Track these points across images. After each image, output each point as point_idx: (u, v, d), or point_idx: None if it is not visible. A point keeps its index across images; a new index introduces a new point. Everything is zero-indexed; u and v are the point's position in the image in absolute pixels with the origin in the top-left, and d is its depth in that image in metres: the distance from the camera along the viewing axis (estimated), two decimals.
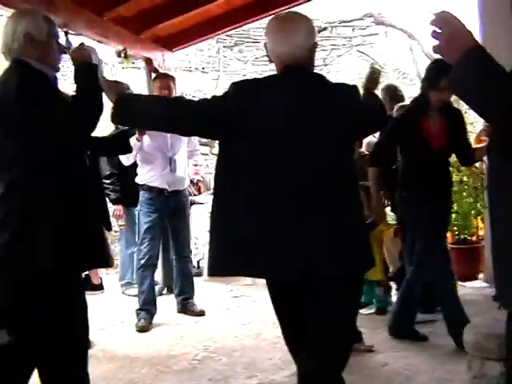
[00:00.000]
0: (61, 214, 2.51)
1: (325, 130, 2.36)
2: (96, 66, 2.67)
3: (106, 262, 2.74)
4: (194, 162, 5.97)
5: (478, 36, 4.29)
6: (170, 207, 5.23)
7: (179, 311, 5.43)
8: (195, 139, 5.76)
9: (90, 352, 4.32)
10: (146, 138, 5.06)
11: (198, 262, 7.26)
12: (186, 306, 5.42)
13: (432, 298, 4.87)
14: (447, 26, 1.67)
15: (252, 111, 2.35)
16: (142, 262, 5.12)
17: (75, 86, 2.64)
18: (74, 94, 2.63)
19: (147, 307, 5.08)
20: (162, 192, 5.17)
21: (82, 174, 2.69)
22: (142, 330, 4.91)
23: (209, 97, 2.55)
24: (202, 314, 5.35)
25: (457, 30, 1.67)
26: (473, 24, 4.40)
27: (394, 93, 5.85)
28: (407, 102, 5.40)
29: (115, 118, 2.58)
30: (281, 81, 2.47)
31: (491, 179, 1.85)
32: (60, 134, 2.55)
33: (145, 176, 5.18)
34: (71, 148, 2.64)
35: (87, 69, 2.65)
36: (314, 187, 2.30)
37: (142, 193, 5.23)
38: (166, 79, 5.27)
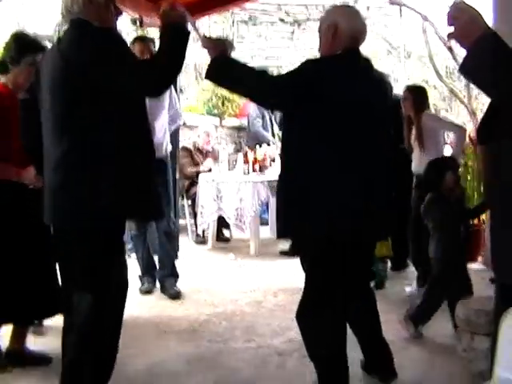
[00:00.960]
0: (122, 167, 2.62)
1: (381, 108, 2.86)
2: (185, 26, 2.68)
3: (158, 214, 2.89)
4: (176, 127, 5.69)
5: (491, 23, 4.32)
6: None
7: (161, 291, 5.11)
8: (177, 103, 5.46)
9: None
10: None
11: (204, 232, 7.38)
12: (163, 286, 5.11)
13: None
14: (462, 15, 1.75)
15: (332, 87, 2.66)
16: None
17: (160, 43, 2.64)
18: (158, 51, 2.65)
19: (148, 272, 5.17)
20: None
21: (142, 130, 2.80)
22: (146, 292, 5.05)
23: (284, 73, 2.88)
24: (176, 296, 4.98)
25: (472, 18, 1.74)
26: (487, 11, 4.44)
27: None
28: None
29: (209, 76, 2.79)
30: (352, 60, 2.82)
31: (496, 162, 1.93)
32: (134, 91, 2.62)
33: None
34: (135, 106, 2.71)
35: (177, 29, 2.64)
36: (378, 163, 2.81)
37: None
38: (146, 43, 4.96)
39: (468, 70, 1.79)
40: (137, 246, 5.19)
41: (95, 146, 2.57)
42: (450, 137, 6.31)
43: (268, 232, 7.88)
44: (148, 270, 5.17)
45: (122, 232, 2.88)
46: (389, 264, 5.51)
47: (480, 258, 6.07)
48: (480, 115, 8.61)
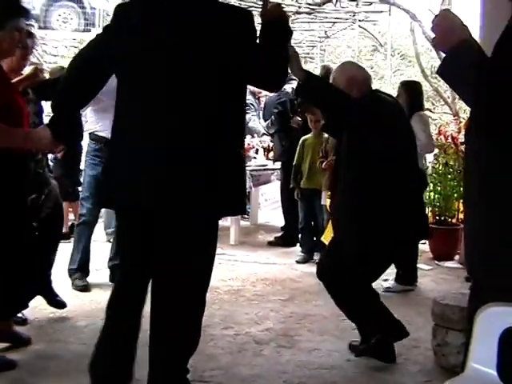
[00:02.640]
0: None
1: None
2: (291, 30, 2.69)
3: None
4: None
5: (478, 32, 4.37)
6: None
7: (111, 280, 4.61)
8: None
9: (76, 293, 4.53)
10: None
11: None
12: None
13: (414, 271, 5.11)
14: (444, 22, 1.84)
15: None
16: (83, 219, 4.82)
17: (262, 40, 2.53)
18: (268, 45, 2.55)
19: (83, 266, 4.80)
20: None
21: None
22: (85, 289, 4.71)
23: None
24: None
25: (452, 26, 1.82)
26: (474, 21, 4.51)
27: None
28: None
29: (301, 92, 3.22)
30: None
31: (474, 160, 2.00)
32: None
33: (93, 124, 4.72)
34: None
35: (284, 28, 2.61)
36: None
37: (88, 142, 4.81)
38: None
39: (443, 73, 1.88)
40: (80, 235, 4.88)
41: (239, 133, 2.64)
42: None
43: (247, 222, 7.93)
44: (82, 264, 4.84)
45: None
46: None
47: (456, 257, 6.16)
48: (463, 116, 8.75)
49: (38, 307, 3.94)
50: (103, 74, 2.66)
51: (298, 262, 5.95)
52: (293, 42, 12.64)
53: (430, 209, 6.89)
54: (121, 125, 2.56)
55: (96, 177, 4.58)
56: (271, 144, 7.63)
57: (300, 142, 6.11)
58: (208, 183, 2.42)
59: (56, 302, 4.02)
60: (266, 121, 7.23)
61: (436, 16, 1.89)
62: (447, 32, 1.82)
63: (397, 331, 3.44)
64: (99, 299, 4.44)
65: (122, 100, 2.57)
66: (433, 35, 1.91)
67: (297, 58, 3.01)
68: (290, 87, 6.84)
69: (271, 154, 7.55)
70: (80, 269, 4.75)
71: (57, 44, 11.52)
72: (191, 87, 2.42)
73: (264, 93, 8.23)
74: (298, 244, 6.31)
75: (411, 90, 5.19)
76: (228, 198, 2.53)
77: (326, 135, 5.90)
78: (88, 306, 4.28)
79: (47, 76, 4.89)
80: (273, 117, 6.76)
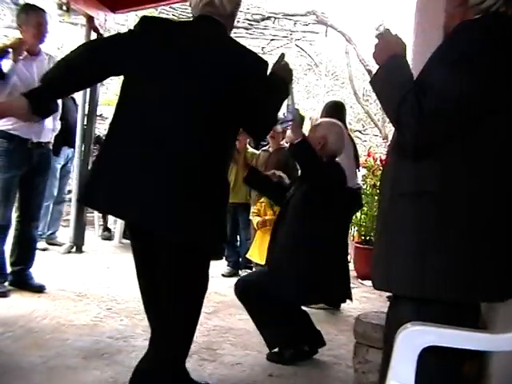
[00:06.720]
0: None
1: None
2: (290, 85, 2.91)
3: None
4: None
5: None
6: (33, 162, 4.47)
7: (11, 284, 4.63)
8: None
9: None
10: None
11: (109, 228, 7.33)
12: (22, 278, 4.68)
13: None
14: (384, 38, 2.01)
15: None
16: None
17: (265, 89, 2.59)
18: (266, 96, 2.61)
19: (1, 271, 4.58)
20: (25, 143, 4.38)
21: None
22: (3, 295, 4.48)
23: None
24: (40, 289, 4.69)
25: (389, 42, 1.99)
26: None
27: None
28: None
29: (294, 151, 3.60)
30: None
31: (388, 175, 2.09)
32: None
33: (4, 121, 4.15)
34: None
35: (285, 85, 2.78)
36: None
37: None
38: (42, 13, 4.40)
39: (374, 84, 2.01)
40: None
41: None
42: None
43: None
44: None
45: None
46: None
47: None
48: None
49: None
50: (103, 72, 2.62)
51: (223, 275, 5.97)
52: None
53: (356, 228, 7.03)
54: (121, 128, 2.50)
55: (8, 181, 4.35)
56: None
57: None
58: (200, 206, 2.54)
59: None
60: None
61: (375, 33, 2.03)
62: (384, 48, 1.96)
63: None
64: (19, 305, 4.31)
65: (127, 102, 2.52)
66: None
67: (301, 121, 3.18)
68: None
69: None
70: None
71: None
72: (198, 108, 2.42)
73: None
74: (224, 258, 6.31)
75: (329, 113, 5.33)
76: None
77: (252, 150, 6.02)
78: (6, 312, 4.13)
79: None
80: None
